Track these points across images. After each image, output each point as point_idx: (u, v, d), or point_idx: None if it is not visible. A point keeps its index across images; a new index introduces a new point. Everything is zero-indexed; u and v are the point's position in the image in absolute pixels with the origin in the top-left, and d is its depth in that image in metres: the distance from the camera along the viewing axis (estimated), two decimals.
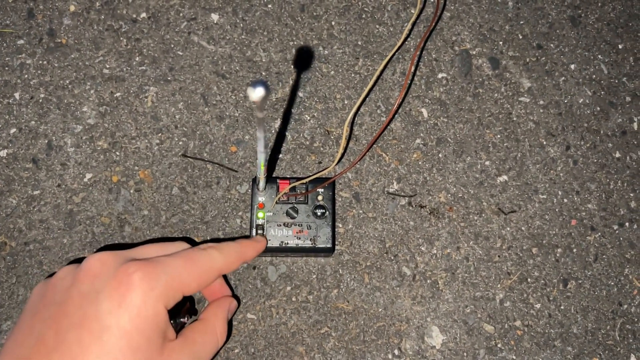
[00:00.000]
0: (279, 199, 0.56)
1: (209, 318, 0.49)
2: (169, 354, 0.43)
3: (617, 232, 0.61)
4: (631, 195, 0.62)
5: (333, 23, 0.64)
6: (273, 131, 0.61)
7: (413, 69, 0.61)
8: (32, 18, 0.63)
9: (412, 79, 0.62)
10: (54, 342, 0.40)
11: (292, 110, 0.62)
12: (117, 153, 0.60)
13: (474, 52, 0.65)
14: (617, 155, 0.63)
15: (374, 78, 0.53)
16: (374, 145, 0.61)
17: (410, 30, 0.61)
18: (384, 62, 0.54)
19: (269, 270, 0.58)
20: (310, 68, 0.62)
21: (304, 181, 0.56)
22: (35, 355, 0.40)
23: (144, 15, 0.63)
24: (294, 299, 0.58)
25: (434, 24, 0.61)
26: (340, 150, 0.53)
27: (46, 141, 0.60)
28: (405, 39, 0.61)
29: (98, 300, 0.41)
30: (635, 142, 0.63)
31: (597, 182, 0.62)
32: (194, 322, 0.48)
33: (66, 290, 0.42)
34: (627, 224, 0.61)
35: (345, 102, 0.62)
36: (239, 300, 0.57)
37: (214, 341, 0.48)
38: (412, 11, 0.65)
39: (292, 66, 0.62)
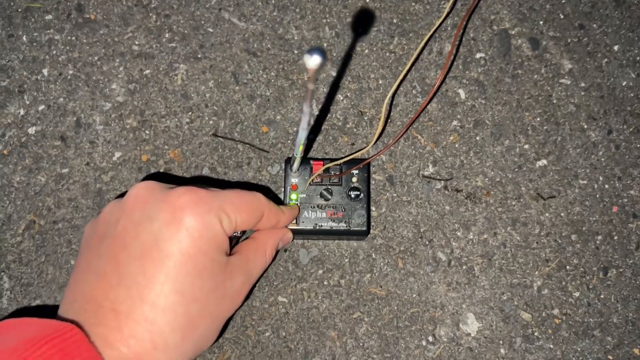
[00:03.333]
0: (312, 180, 0.54)
1: (260, 239, 0.49)
2: (230, 270, 0.43)
3: None
4: None
5: (367, 0, 0.62)
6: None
7: (455, 49, 0.59)
8: None
9: (454, 60, 0.60)
10: (117, 276, 0.39)
11: (325, 89, 0.60)
12: (147, 132, 0.59)
13: (513, 32, 0.62)
14: None
15: (413, 58, 0.51)
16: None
17: (452, 8, 0.59)
18: (423, 42, 0.52)
19: (300, 253, 0.57)
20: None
21: (339, 162, 0.54)
22: (98, 292, 0.39)
23: None
24: (325, 282, 0.57)
25: (475, 4, 0.59)
26: (378, 131, 0.51)
27: (75, 119, 0.59)
28: (446, 17, 0.59)
29: (154, 228, 0.39)
30: None
31: None
32: (246, 240, 0.48)
33: (116, 222, 0.41)
34: None
35: (380, 82, 0.61)
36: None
37: (264, 261, 0.48)
38: None
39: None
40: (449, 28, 0.62)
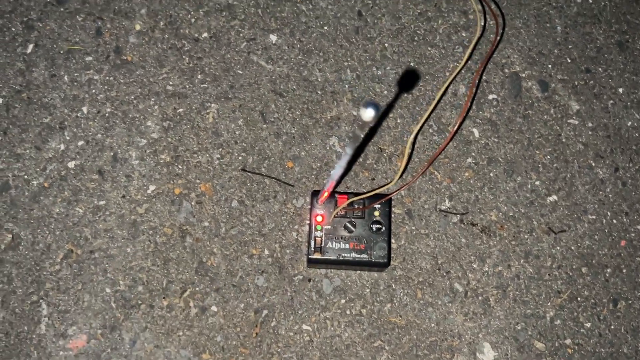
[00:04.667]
0: (337, 212, 0.57)
1: None
2: None
3: None
4: None
5: (386, 45, 0.67)
6: (327, 148, 0.63)
7: (473, 93, 0.63)
8: (100, 36, 0.66)
9: (472, 103, 0.64)
10: None
11: (347, 128, 0.64)
12: (180, 166, 0.62)
13: (524, 75, 0.66)
14: None
15: (434, 103, 0.55)
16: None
17: (470, 55, 0.63)
18: (442, 88, 0.55)
19: (323, 283, 0.60)
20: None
21: (363, 197, 0.57)
22: None
23: (205, 35, 0.66)
24: (348, 311, 0.59)
25: (493, 49, 0.63)
26: (401, 169, 0.54)
27: (112, 154, 0.62)
28: (466, 63, 0.62)
29: None
30: None
31: None
32: None
33: None
34: None
35: (398, 121, 0.64)
36: None
37: None
38: (464, 34, 0.67)
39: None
40: (462, 71, 0.66)
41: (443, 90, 0.59)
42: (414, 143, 0.63)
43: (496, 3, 0.68)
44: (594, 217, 0.63)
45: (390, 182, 0.55)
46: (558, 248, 0.62)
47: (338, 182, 0.62)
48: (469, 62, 0.66)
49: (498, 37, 0.65)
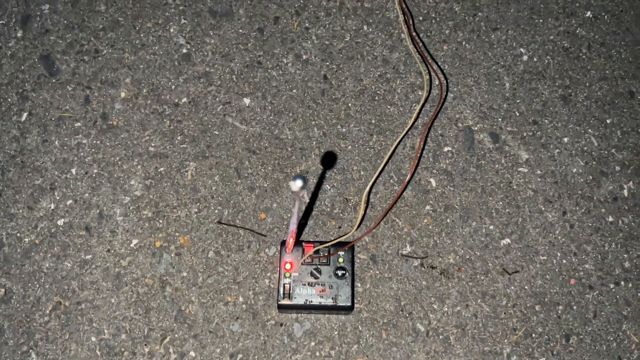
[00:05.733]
0: (304, 260, 0.62)
1: None
2: None
3: (613, 290, 0.67)
4: (625, 256, 0.68)
5: (350, 104, 0.73)
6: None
7: (422, 145, 0.69)
8: (88, 103, 0.72)
9: (421, 154, 0.70)
10: None
11: (315, 180, 0.70)
12: (160, 221, 0.67)
13: (476, 128, 0.73)
14: (610, 219, 0.69)
15: (388, 155, 0.61)
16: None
17: (419, 112, 0.69)
18: (396, 142, 0.62)
19: (294, 327, 0.64)
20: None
21: (327, 245, 0.62)
22: None
23: (185, 100, 0.73)
24: (317, 353, 0.63)
25: (439, 107, 0.70)
26: (359, 218, 0.60)
27: (98, 211, 0.68)
28: (415, 121, 0.69)
29: None
30: (626, 207, 0.70)
31: (592, 244, 0.68)
32: None
33: None
34: (622, 282, 0.67)
35: (362, 173, 0.70)
36: None
37: None
38: (420, 93, 0.73)
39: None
40: (419, 126, 0.72)
41: (395, 145, 0.65)
42: (369, 193, 0.69)
43: (440, 68, 0.75)
44: (545, 257, 0.68)
45: (352, 230, 0.60)
46: (512, 288, 0.66)
47: (298, 234, 0.67)
48: (425, 118, 0.73)
49: (444, 95, 0.72)
